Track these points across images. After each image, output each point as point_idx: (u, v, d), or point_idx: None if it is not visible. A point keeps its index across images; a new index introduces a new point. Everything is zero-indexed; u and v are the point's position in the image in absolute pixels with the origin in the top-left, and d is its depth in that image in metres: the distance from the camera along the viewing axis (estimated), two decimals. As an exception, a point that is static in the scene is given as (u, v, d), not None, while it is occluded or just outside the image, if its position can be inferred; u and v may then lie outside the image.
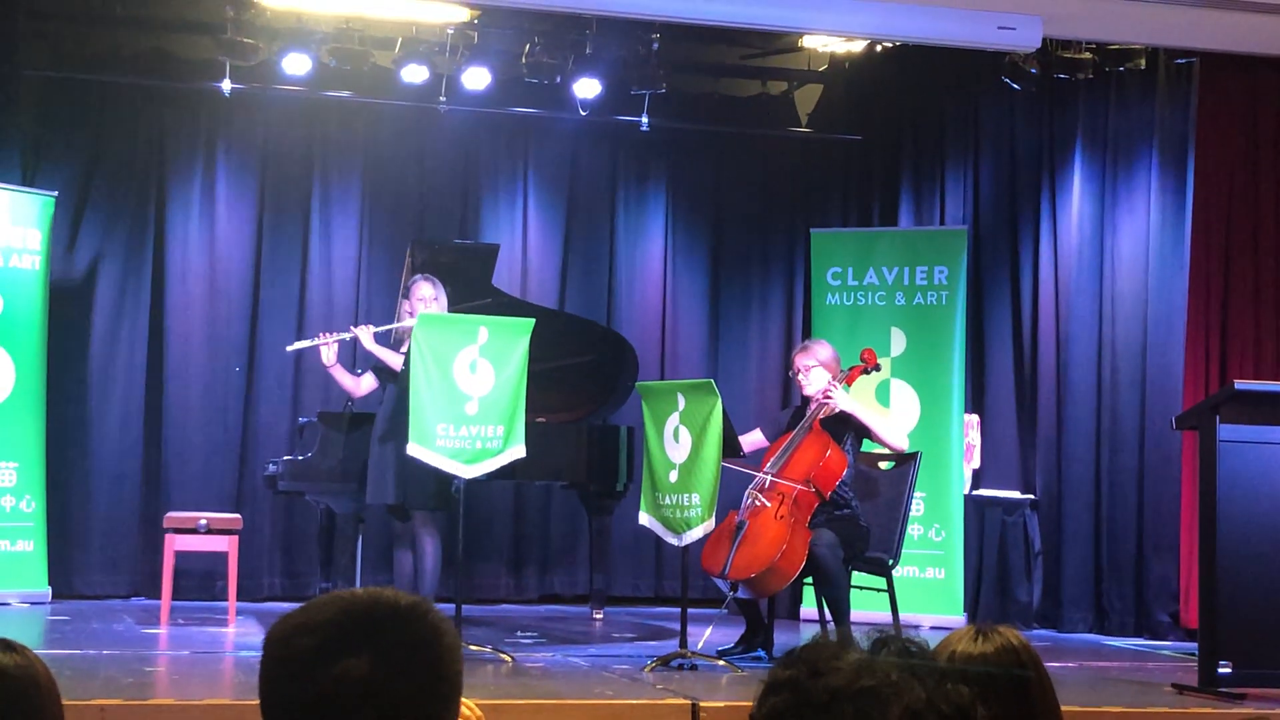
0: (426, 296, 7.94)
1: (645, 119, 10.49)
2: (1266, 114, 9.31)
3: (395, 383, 7.91)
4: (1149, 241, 9.60)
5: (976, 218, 10.60)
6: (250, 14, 9.60)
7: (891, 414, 7.63)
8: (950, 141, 10.82)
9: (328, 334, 8.35)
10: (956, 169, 10.75)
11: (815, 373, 7.71)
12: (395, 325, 8.23)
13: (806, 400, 7.78)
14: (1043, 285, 10.14)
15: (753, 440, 7.84)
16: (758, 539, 7.31)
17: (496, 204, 10.88)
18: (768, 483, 7.48)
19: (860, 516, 7.61)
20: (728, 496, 7.44)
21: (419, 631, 1.72)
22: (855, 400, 7.68)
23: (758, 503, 7.46)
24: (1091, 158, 9.96)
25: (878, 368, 8.26)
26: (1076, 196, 9.96)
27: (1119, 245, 9.78)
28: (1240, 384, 6.60)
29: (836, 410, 7.62)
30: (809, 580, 7.66)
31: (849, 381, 7.94)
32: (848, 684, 1.61)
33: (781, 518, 7.34)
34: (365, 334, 8.13)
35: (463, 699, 1.86)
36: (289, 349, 9.01)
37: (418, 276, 8.13)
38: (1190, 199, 9.37)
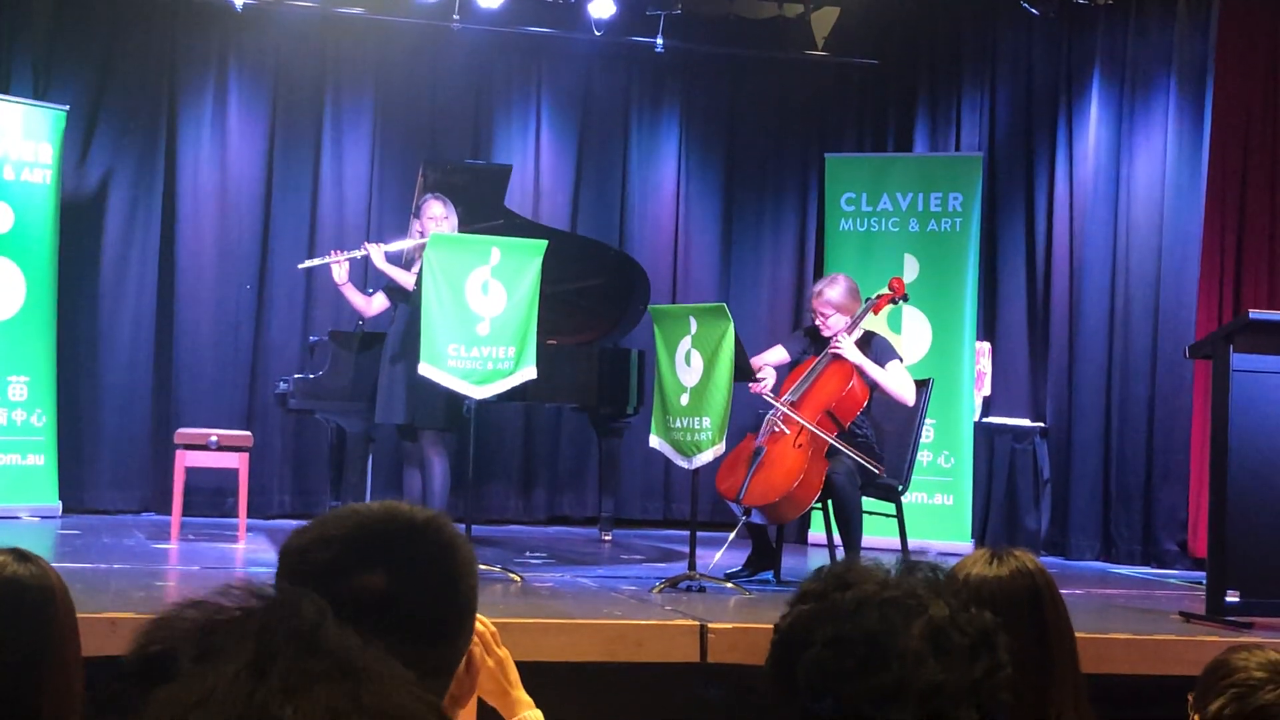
0: (437, 215, 7.92)
1: (660, 40, 10.42)
2: (1287, 42, 9.23)
3: (406, 302, 7.91)
4: (1165, 170, 9.54)
5: (992, 144, 10.54)
6: (263, -72, 9.53)
7: (897, 369, 7.56)
8: (967, 67, 10.74)
9: (339, 251, 8.35)
10: (973, 95, 10.68)
11: (834, 320, 7.65)
12: (406, 243, 8.22)
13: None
14: (1057, 213, 10.10)
15: (778, 357, 7.79)
16: (775, 466, 7.31)
17: (509, 125, 10.82)
18: (788, 410, 7.45)
19: (875, 444, 7.61)
20: (744, 420, 7.43)
21: (434, 546, 1.72)
22: (861, 355, 7.58)
23: (777, 429, 7.45)
24: (1109, 85, 9.88)
25: (905, 298, 8.17)
26: (1093, 124, 9.90)
27: (1135, 173, 9.72)
28: (1254, 313, 6.56)
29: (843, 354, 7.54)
30: (818, 505, 7.67)
31: (876, 310, 7.88)
32: (874, 594, 1.62)
33: (800, 446, 7.33)
34: (376, 252, 8.12)
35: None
36: (300, 266, 9.01)
37: (428, 195, 8.11)
38: (1208, 127, 9.30)
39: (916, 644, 1.60)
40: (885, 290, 7.97)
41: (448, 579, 1.72)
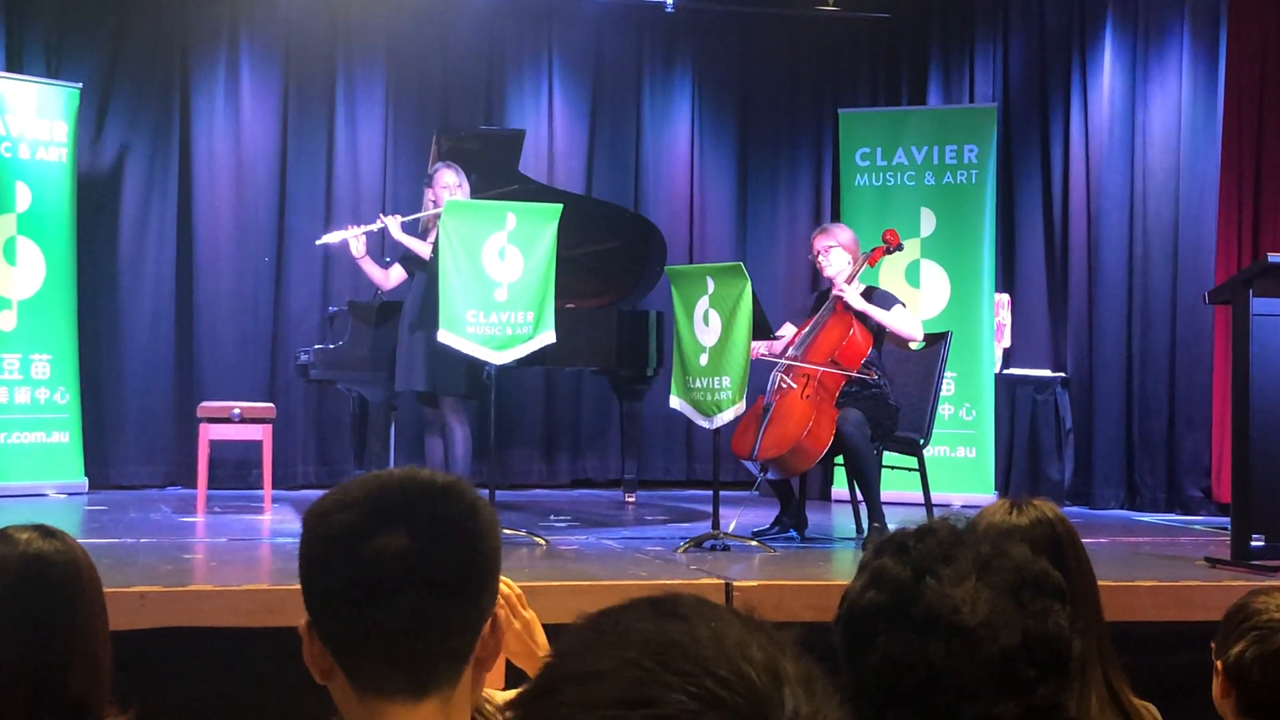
0: (450, 184, 7.93)
1: (670, 0, 10.38)
2: (1301, -16, 9.16)
3: (424, 271, 7.92)
4: (1181, 116, 9.50)
5: (1006, 95, 10.50)
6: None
7: (901, 310, 7.58)
8: (980, 17, 10.69)
9: (356, 225, 8.37)
10: (986, 46, 10.63)
11: (835, 253, 7.68)
12: (421, 214, 8.23)
13: (829, 287, 7.75)
14: (1073, 162, 10.06)
15: (787, 335, 7.81)
16: (784, 419, 7.34)
17: (521, 89, 10.80)
18: (793, 365, 7.48)
19: (889, 395, 7.61)
20: (757, 381, 7.44)
21: (456, 508, 1.73)
22: (864, 301, 7.60)
23: (784, 384, 7.48)
24: (1123, 31, 9.83)
25: (900, 247, 8.20)
26: (1107, 71, 9.85)
27: (1150, 120, 9.67)
28: (1274, 257, 6.52)
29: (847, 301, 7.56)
30: (839, 461, 7.68)
31: (871, 262, 7.90)
32: (948, 616, 1.58)
33: (807, 397, 7.36)
34: (394, 224, 8.13)
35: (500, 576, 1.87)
36: (318, 242, 9.00)
37: (439, 164, 8.11)
38: (1223, 72, 9.25)
39: (978, 682, 1.57)
40: (879, 243, 7.97)
41: (470, 540, 1.73)
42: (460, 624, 1.72)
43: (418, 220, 8.24)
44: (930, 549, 1.64)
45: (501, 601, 1.96)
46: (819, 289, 7.99)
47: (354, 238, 8.24)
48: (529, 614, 2.53)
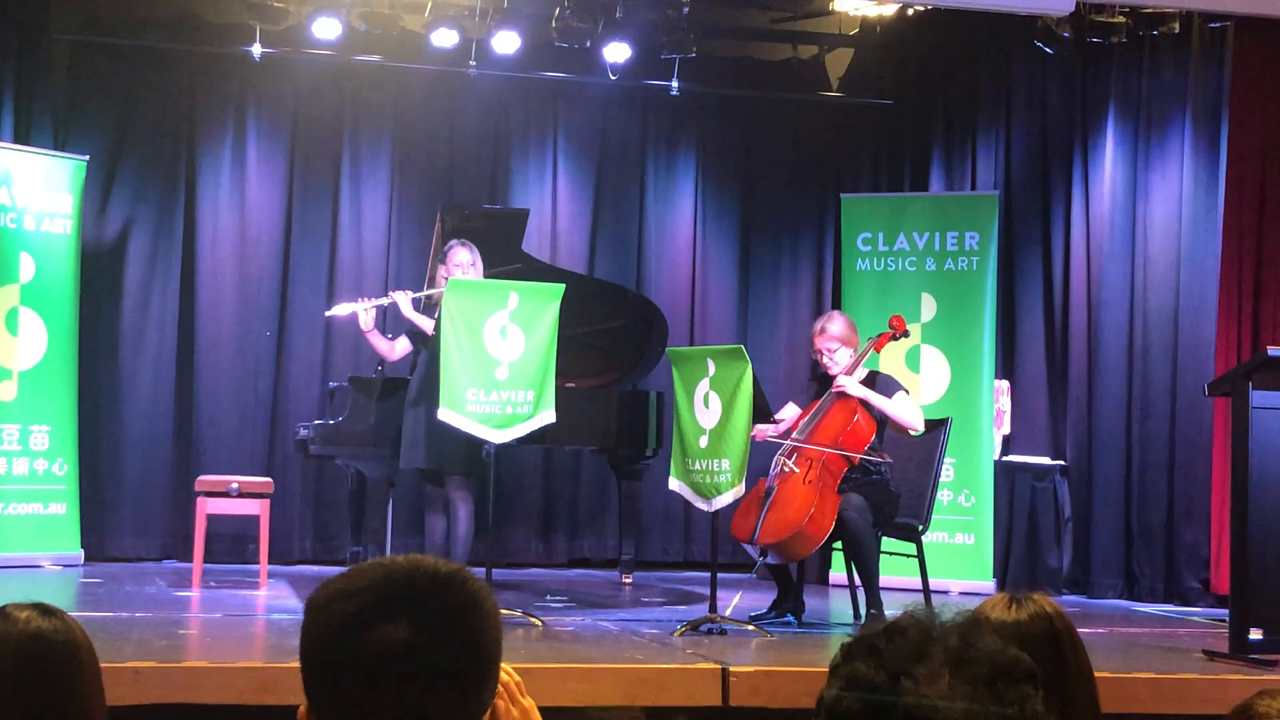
0: (464, 262, 7.95)
1: (675, 83, 10.46)
2: (1301, 78, 9.24)
3: (427, 347, 7.94)
4: (1181, 207, 9.55)
5: (1008, 183, 10.54)
6: (280, -22, 9.59)
7: (903, 399, 7.60)
8: (982, 106, 10.75)
9: (367, 299, 8.39)
10: (988, 134, 10.69)
11: (840, 353, 7.70)
12: (430, 291, 8.24)
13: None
14: (1074, 251, 10.10)
15: (789, 415, 7.81)
16: (786, 504, 7.32)
17: (526, 169, 10.86)
18: (796, 449, 7.48)
19: (891, 482, 7.61)
20: (757, 464, 7.44)
21: (459, 599, 1.73)
22: (865, 388, 7.62)
23: (786, 469, 7.47)
24: (1124, 123, 9.90)
25: (906, 334, 8.24)
26: (1109, 161, 9.91)
27: (1151, 211, 9.72)
28: (1273, 350, 6.55)
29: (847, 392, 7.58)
30: (838, 545, 7.67)
31: (878, 348, 7.92)
32: (926, 715, 1.58)
33: (810, 482, 7.35)
34: (404, 300, 8.15)
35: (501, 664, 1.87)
36: (328, 314, 9.01)
37: (454, 242, 8.12)
38: (1224, 164, 9.31)
39: None
40: (885, 329, 7.99)
41: (472, 631, 1.73)
42: (461, 716, 1.72)
43: (425, 296, 8.26)
44: (901, 649, 1.65)
45: (501, 690, 1.96)
46: (820, 373, 8.00)
47: (363, 310, 8.25)
48: (527, 701, 2.52)
